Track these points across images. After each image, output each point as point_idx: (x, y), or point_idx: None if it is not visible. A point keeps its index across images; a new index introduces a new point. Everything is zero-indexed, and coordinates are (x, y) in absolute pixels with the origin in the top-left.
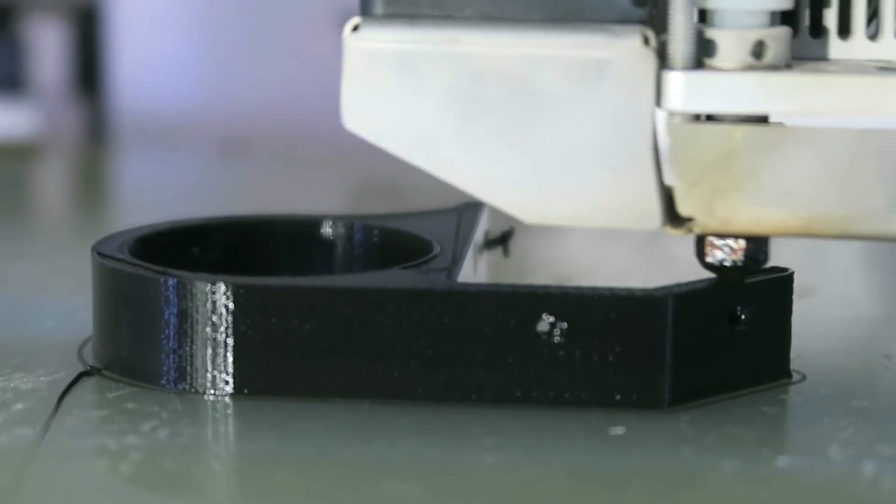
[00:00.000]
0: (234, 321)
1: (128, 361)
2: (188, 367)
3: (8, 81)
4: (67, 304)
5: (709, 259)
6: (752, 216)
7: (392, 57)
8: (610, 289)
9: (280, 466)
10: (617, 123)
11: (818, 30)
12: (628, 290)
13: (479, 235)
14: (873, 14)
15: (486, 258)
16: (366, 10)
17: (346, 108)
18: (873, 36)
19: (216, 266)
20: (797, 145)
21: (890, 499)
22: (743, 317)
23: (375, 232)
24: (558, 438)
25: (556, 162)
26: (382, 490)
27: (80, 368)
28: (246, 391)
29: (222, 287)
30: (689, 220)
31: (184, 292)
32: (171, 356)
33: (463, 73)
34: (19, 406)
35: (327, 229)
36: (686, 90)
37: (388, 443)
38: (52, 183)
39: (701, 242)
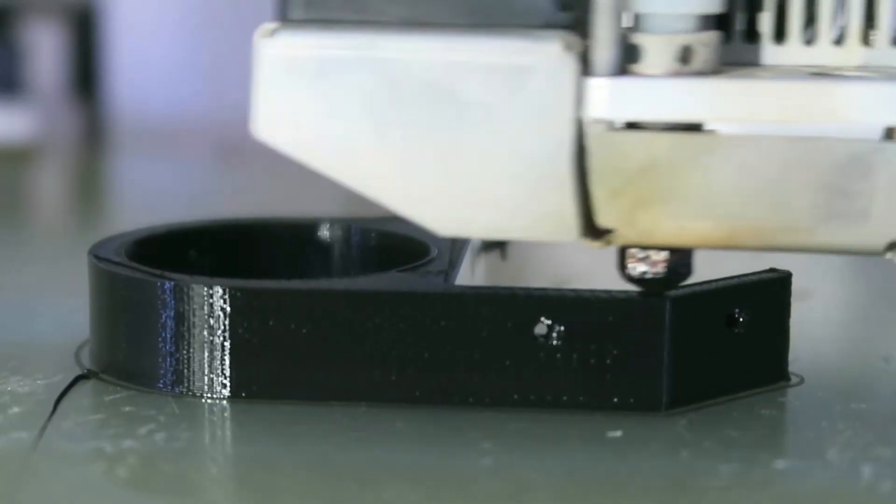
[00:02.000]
0: (231, 324)
1: (125, 365)
2: (185, 371)
3: (5, 84)
4: (64, 308)
5: (629, 272)
6: (675, 228)
7: (308, 64)
8: (607, 292)
9: (277, 470)
10: (536, 131)
11: (753, 35)
12: (626, 292)
13: (476, 238)
14: (811, 19)
15: (484, 261)
16: (283, 15)
17: (257, 116)
18: (809, 41)
19: (213, 269)
20: (723, 154)
21: (888, 501)
22: (741, 319)
23: (373, 235)
24: (556, 441)
25: (473, 172)
26: (380, 493)
27: (77, 372)
28: (243, 394)
29: (219, 290)
30: (609, 231)
31: (181, 295)
32: (168, 359)
33: (381, 79)
34: (16, 409)
35: (324, 232)
36: (609, 97)
37: (385, 446)
38: (50, 186)
39: (622, 255)
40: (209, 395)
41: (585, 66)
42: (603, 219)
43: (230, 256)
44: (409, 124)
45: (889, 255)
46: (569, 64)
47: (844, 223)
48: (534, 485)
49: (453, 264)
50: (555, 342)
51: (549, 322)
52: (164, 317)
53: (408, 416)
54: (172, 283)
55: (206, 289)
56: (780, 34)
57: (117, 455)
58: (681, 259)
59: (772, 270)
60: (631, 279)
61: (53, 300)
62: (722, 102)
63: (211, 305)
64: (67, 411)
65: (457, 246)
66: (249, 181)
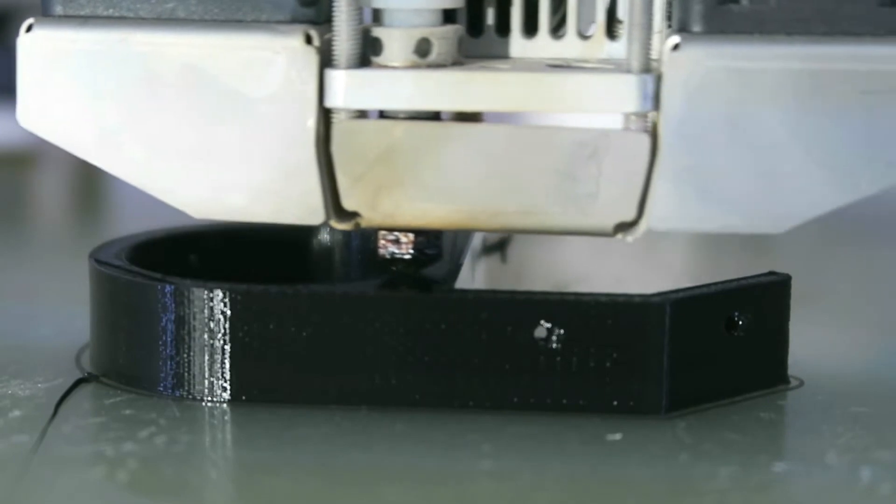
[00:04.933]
0: (232, 328)
1: (125, 368)
2: (185, 374)
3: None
4: (65, 311)
5: (381, 252)
6: (416, 211)
7: (66, 57)
8: (607, 295)
9: (277, 473)
10: (282, 120)
11: (505, 29)
12: (625, 296)
13: (476, 242)
14: (564, 15)
15: (484, 265)
16: (45, 11)
17: (20, 106)
18: (558, 35)
19: (213, 273)
20: (457, 141)
21: None
22: (740, 322)
23: (373, 238)
24: (555, 445)
25: (224, 158)
26: (380, 497)
27: (78, 375)
28: (243, 398)
29: (220, 293)
30: (355, 214)
31: (181, 299)
32: (169, 363)
33: (136, 71)
34: (17, 413)
35: (325, 236)
36: (346, 87)
37: (385, 449)
38: (50, 190)
39: (376, 237)
40: (210, 398)
41: (328, 59)
42: (348, 203)
43: (231, 260)
44: (163, 113)
45: (619, 236)
46: (309, 56)
47: (575, 206)
48: (533, 488)
49: (453, 268)
50: (554, 345)
51: (549, 325)
52: (164, 320)
53: (408, 420)
54: (173, 286)
55: (206, 292)
56: (530, 28)
57: (118, 458)
58: (428, 241)
59: (771, 273)
60: (384, 260)
61: (54, 304)
62: (456, 93)
63: (211, 309)
64: (68, 415)
65: (457, 249)
66: None
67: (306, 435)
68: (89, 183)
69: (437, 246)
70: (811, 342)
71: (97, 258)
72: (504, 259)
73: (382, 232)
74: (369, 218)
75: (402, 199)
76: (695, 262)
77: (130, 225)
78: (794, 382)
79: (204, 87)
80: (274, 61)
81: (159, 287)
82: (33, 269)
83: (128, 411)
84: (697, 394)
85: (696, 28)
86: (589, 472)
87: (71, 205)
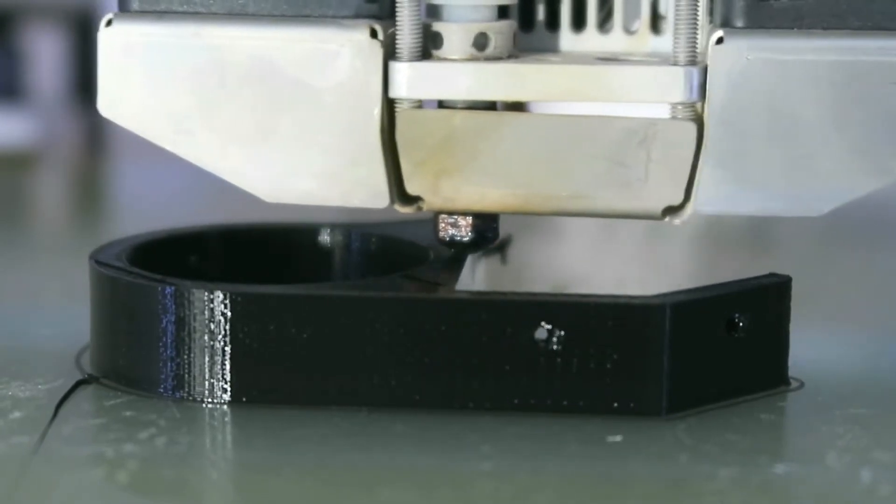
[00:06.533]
0: (232, 329)
1: (125, 369)
2: (186, 375)
3: (6, 90)
4: (65, 313)
5: (441, 235)
6: (474, 195)
7: (142, 49)
8: (608, 297)
9: (277, 474)
10: (348, 109)
11: (555, 24)
12: (626, 297)
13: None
14: (610, 11)
15: (484, 266)
16: (122, 7)
17: (101, 96)
18: (605, 30)
19: (213, 274)
20: (512, 130)
21: None
22: (741, 324)
23: (373, 240)
24: (555, 446)
25: (293, 144)
26: (380, 498)
27: (78, 376)
28: (244, 399)
29: (220, 295)
30: (418, 198)
31: (181, 300)
32: (169, 364)
33: (208, 63)
34: (17, 414)
35: (325, 237)
36: (409, 79)
37: (385, 451)
38: (50, 191)
39: (436, 220)
40: (210, 399)
41: (391, 52)
42: (411, 187)
43: (231, 261)
44: (234, 102)
45: (667, 219)
46: (375, 49)
47: (625, 190)
48: (533, 489)
49: (453, 269)
50: (555, 347)
51: (550, 327)
52: (164, 322)
53: (407, 421)
54: (173, 287)
55: (206, 294)
56: (578, 23)
57: (118, 460)
58: (485, 224)
59: (772, 275)
60: (443, 242)
61: (54, 305)
62: (512, 84)
63: (212, 310)
64: (68, 416)
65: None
66: None
67: (306, 436)
68: (90, 184)
69: (493, 229)
70: (811, 343)
71: (97, 259)
72: (504, 260)
73: (442, 216)
74: (430, 202)
75: (461, 183)
76: (695, 264)
77: (131, 226)
78: (794, 384)
79: (273, 78)
80: (341, 54)
81: (160, 288)
82: (34, 270)
83: (128, 412)
84: (698, 395)
85: (738, 23)
86: (589, 474)
87: (71, 206)
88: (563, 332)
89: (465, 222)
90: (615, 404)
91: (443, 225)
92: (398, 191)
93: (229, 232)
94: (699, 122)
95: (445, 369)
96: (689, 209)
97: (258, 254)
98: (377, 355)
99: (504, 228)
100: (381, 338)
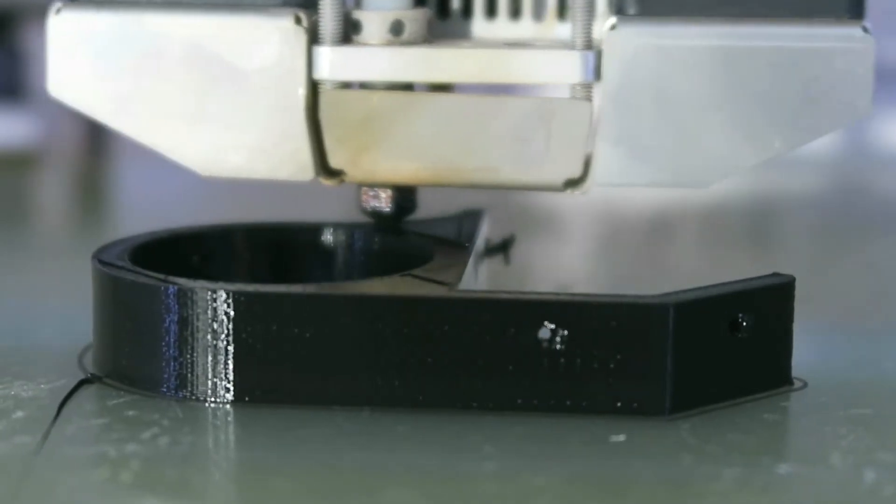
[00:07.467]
0: (235, 329)
1: (128, 369)
2: (189, 375)
3: (7, 89)
4: (68, 312)
5: (363, 205)
6: (391, 168)
7: (88, 36)
8: (611, 296)
9: (280, 474)
10: (275, 90)
11: (469, 12)
12: (629, 297)
13: (479, 243)
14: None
15: (487, 266)
16: None
17: (50, 78)
18: (515, 18)
19: (216, 273)
20: (424, 108)
21: None
22: (744, 324)
23: (376, 239)
24: (559, 446)
25: (226, 122)
26: (382, 498)
27: (81, 376)
28: (246, 399)
29: (223, 294)
30: (340, 172)
31: (184, 300)
32: (172, 364)
33: (147, 48)
34: (20, 414)
35: (328, 237)
36: (331, 62)
37: (388, 450)
38: (52, 191)
39: (359, 192)
40: (212, 399)
41: (315, 37)
42: (333, 161)
43: (233, 261)
44: (172, 84)
45: (568, 191)
46: (299, 35)
47: (527, 164)
48: (536, 489)
49: (456, 268)
50: (558, 347)
51: (553, 327)
52: (167, 321)
53: (411, 421)
54: (176, 287)
55: (209, 293)
56: (491, 11)
57: (121, 459)
58: (404, 195)
59: (775, 275)
60: (365, 212)
61: (57, 305)
62: (425, 67)
63: (214, 310)
64: (71, 416)
65: (460, 251)
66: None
67: (309, 436)
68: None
69: (411, 200)
70: (815, 344)
71: (100, 259)
72: (507, 260)
73: (364, 188)
74: (352, 175)
75: (379, 158)
76: (698, 264)
77: (133, 226)
78: (797, 384)
79: (207, 62)
80: (268, 39)
81: (162, 288)
82: (36, 270)
83: (131, 412)
84: (701, 395)
85: (631, 10)
86: (592, 474)
87: (73, 205)
88: (566, 332)
89: (386, 195)
90: (618, 404)
91: (365, 197)
92: (322, 165)
93: (231, 231)
94: (594, 101)
95: (448, 369)
96: (588, 182)
97: (260, 253)
98: (380, 355)
99: (506, 228)
100: (384, 337)
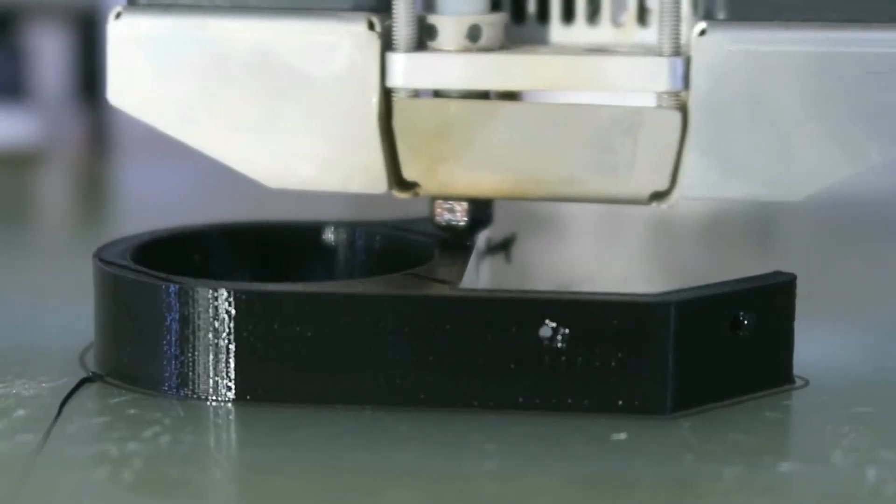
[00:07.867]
0: (236, 327)
1: (130, 368)
2: (190, 374)
3: (9, 88)
4: (69, 311)
5: (437, 219)
6: (468, 180)
7: (149, 41)
8: (612, 295)
9: (282, 473)
10: (347, 98)
11: (545, 16)
12: (630, 296)
13: (481, 241)
14: (598, 4)
15: (488, 264)
16: (130, 1)
17: (110, 85)
18: (594, 23)
19: (217, 272)
20: (504, 118)
21: None
22: (745, 322)
23: (377, 238)
24: (560, 445)
25: (295, 132)
26: (384, 497)
27: (82, 375)
28: (248, 397)
29: (224, 293)
30: (414, 184)
31: (186, 298)
32: (173, 362)
33: (212, 54)
34: (21, 413)
35: (329, 235)
36: (405, 69)
37: (389, 449)
38: (54, 190)
39: (433, 205)
40: (214, 398)
41: (388, 43)
42: (408, 173)
43: (234, 260)
44: (237, 92)
45: (653, 204)
46: (372, 41)
47: (612, 176)
48: (538, 488)
49: (458, 267)
50: (559, 345)
51: (554, 325)
52: (168, 320)
53: (412, 420)
54: (177, 286)
55: (210, 292)
56: (568, 16)
57: (122, 458)
58: (479, 208)
59: (777, 273)
60: (439, 227)
61: (58, 303)
62: (503, 74)
63: (216, 308)
64: (72, 414)
65: (461, 249)
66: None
67: (310, 435)
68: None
69: (487, 213)
70: (816, 342)
71: (101, 257)
72: (509, 259)
73: (438, 201)
74: (427, 187)
75: (456, 169)
76: (700, 262)
77: (135, 224)
78: (799, 382)
79: (275, 69)
80: (340, 45)
81: (164, 286)
82: (37, 269)
83: (132, 411)
84: (702, 394)
85: (721, 15)
86: (593, 473)
87: (75, 204)
88: (567, 331)
89: (461, 207)
90: (619, 403)
91: (439, 210)
92: (395, 177)
93: (233, 230)
94: (683, 110)
95: (450, 368)
96: (675, 195)
97: (262, 252)
98: (381, 354)
99: (507, 226)
100: (386, 336)
